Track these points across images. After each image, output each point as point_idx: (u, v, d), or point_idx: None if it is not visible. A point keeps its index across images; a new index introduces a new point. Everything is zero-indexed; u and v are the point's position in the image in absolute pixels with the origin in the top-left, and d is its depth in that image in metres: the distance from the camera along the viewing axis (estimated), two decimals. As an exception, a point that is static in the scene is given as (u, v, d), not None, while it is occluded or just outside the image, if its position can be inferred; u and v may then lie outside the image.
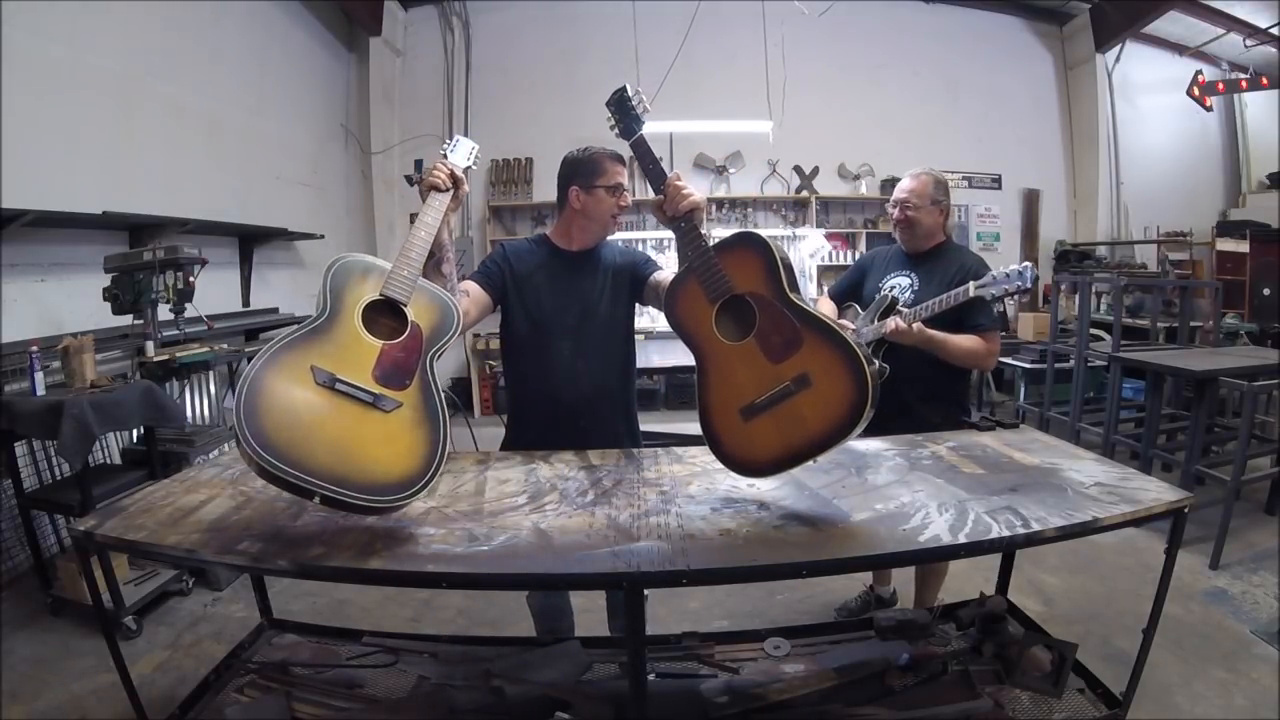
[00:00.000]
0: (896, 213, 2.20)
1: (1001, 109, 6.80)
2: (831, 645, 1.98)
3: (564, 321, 1.83)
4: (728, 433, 1.36)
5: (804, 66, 6.21)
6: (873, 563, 1.27)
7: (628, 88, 1.51)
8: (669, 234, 1.56)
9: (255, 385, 1.17)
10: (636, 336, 1.96)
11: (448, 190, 1.56)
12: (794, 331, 1.31)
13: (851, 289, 2.39)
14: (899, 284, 2.22)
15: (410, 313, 1.37)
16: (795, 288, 1.36)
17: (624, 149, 1.65)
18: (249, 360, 1.26)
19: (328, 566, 1.19)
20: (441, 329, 1.39)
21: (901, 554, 1.24)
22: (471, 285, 1.81)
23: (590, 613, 2.11)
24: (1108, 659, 2.06)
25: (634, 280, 1.89)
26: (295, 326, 1.29)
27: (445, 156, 1.60)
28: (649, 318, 5.14)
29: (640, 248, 6.27)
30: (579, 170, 1.83)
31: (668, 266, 1.86)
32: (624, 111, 1.51)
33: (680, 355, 1.96)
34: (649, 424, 2.07)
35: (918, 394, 2.09)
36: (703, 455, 1.76)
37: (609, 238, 1.94)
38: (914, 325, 1.99)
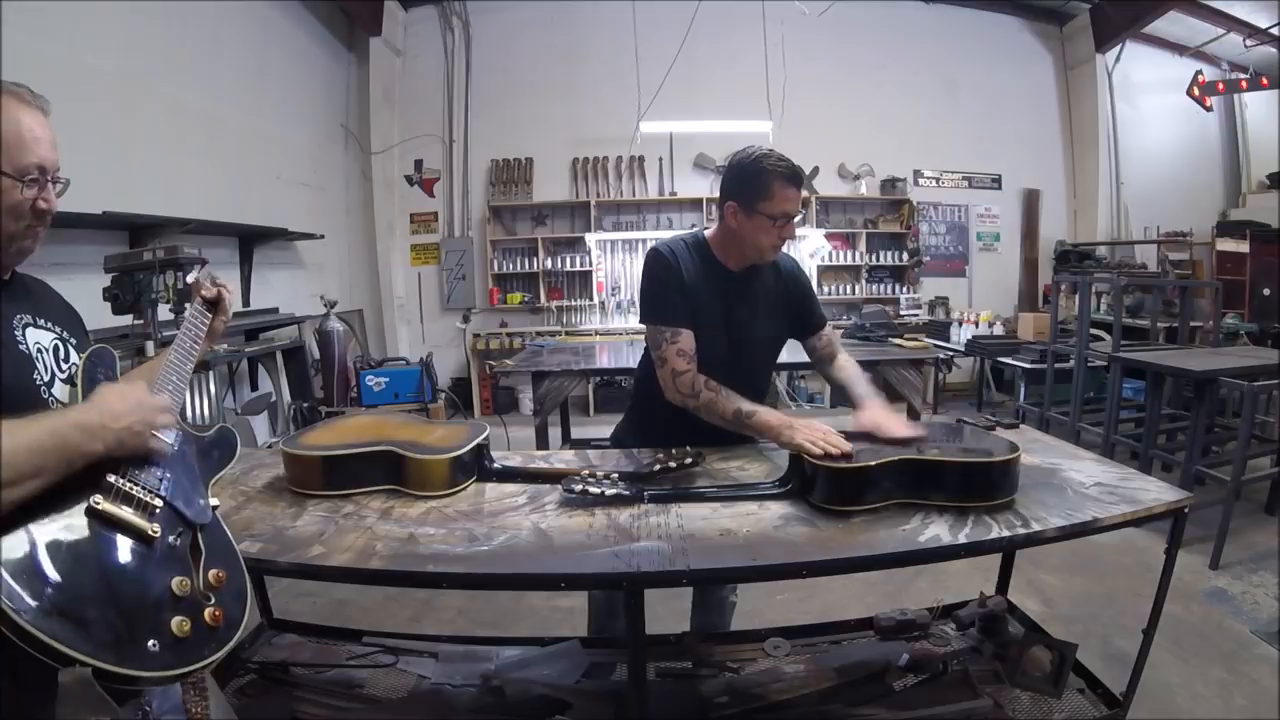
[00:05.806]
0: None
1: (1001, 109, 6.80)
2: (831, 645, 1.98)
3: (714, 350, 1.65)
4: None
5: (804, 67, 6.22)
6: (873, 563, 1.27)
7: None
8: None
9: None
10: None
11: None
12: None
13: None
14: None
15: None
16: None
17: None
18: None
19: (328, 566, 1.19)
20: None
21: (902, 554, 1.24)
22: (685, 337, 1.61)
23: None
24: (1108, 659, 2.06)
25: (797, 318, 1.77)
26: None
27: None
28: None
29: (641, 248, 6.26)
30: (743, 184, 1.57)
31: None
32: None
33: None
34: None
35: None
36: (703, 455, 1.76)
37: None
38: None
